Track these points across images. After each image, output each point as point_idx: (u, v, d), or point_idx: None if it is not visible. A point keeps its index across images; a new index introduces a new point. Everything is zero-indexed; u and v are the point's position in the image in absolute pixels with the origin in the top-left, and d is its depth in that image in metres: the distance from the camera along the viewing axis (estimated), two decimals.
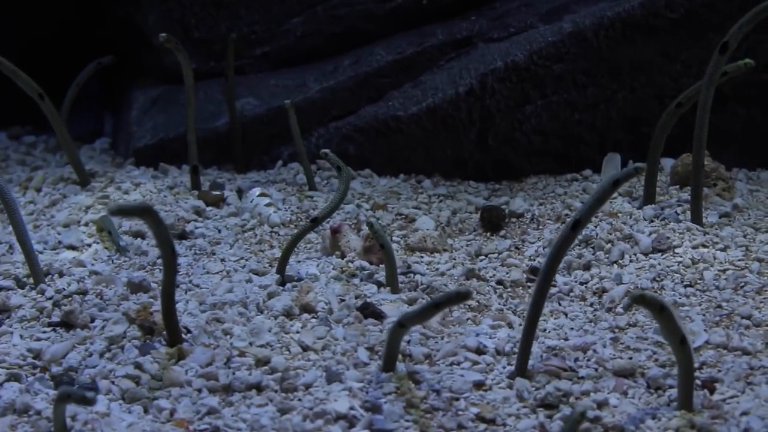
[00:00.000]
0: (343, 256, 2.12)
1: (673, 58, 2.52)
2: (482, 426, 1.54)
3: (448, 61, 2.59)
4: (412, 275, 2.04)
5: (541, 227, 2.26)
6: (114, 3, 2.91)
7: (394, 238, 2.23)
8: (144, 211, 1.58)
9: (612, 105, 2.54)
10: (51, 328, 1.82)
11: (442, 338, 1.79)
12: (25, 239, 1.97)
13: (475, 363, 1.70)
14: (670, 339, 1.54)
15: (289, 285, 1.98)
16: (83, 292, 1.92)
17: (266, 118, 2.64)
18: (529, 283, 2.03)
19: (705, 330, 1.79)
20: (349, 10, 2.71)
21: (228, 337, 1.77)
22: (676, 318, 1.51)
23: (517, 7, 2.64)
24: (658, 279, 1.98)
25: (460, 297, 1.50)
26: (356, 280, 2.01)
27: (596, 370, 1.68)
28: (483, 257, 2.16)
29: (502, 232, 2.27)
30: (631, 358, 1.71)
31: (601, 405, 1.58)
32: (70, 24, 3.01)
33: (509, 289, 2.02)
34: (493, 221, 2.28)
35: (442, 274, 2.07)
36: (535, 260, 2.11)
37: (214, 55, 2.77)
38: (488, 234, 2.27)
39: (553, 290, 1.98)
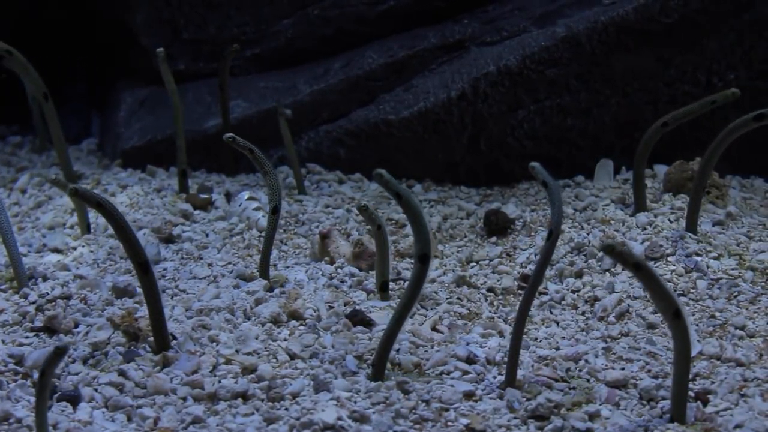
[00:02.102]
0: (332, 262, 2.09)
1: (667, 64, 2.50)
2: None
3: (440, 65, 2.57)
4: (402, 282, 2.02)
5: (532, 234, 2.23)
6: (102, 3, 2.88)
7: None
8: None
9: (605, 110, 2.52)
10: (33, 334, 1.79)
11: (432, 347, 1.76)
12: (11, 242, 1.94)
13: (466, 372, 1.68)
14: (660, 308, 1.48)
15: (276, 291, 1.95)
16: (67, 297, 1.89)
17: (256, 120, 2.62)
18: (520, 291, 2.00)
19: (698, 340, 1.77)
20: (341, 12, 2.69)
21: (214, 344, 1.74)
22: (660, 281, 1.45)
23: (510, 11, 2.62)
24: None
25: None
26: (345, 287, 1.99)
27: (588, 380, 1.66)
28: (474, 264, 2.14)
29: (494, 239, 2.24)
30: (623, 369, 1.69)
31: (593, 416, 1.56)
32: (57, 24, 2.98)
33: (500, 297, 2.00)
34: (500, 224, 2.25)
35: (433, 281, 2.04)
36: (526, 267, 2.09)
37: (203, 56, 2.75)
38: (489, 239, 2.24)
39: (544, 298, 1.97)
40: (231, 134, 1.99)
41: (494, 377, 1.67)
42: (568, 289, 1.99)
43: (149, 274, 1.68)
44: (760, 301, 1.91)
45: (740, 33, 2.48)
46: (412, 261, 2.11)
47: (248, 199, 2.34)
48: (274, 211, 1.99)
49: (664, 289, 1.46)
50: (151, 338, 1.73)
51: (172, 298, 1.93)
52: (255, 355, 1.71)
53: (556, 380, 1.65)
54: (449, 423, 1.54)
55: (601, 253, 2.08)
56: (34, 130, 2.85)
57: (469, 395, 1.61)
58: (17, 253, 1.96)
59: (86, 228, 2.22)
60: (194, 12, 2.74)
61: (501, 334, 1.83)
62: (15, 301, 1.90)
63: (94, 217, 2.28)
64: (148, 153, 2.64)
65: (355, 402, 1.58)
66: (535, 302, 1.95)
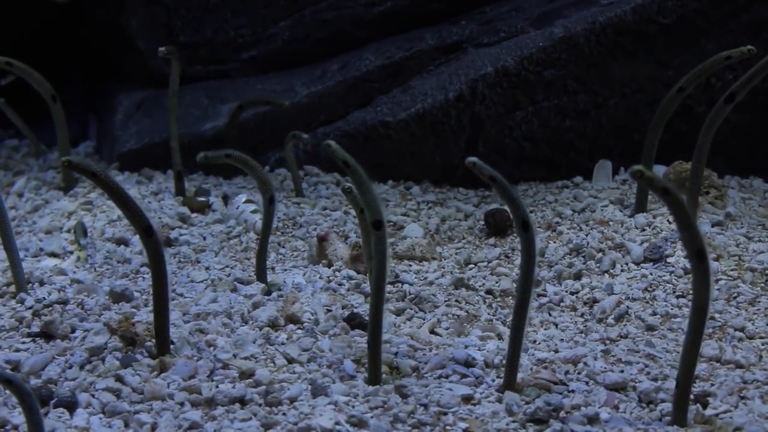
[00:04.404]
0: (330, 265, 2.08)
1: (665, 65, 2.49)
2: None
3: (437, 66, 2.57)
4: (400, 285, 2.01)
5: None
6: (96, 5, 2.87)
7: None
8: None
9: (603, 112, 2.51)
10: (30, 339, 1.78)
11: (430, 350, 1.76)
12: (12, 246, 1.93)
13: (464, 376, 1.67)
14: (684, 242, 1.42)
15: (274, 294, 1.95)
16: (64, 302, 1.88)
17: (253, 123, 2.61)
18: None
19: None
20: (337, 14, 2.69)
21: (212, 348, 1.73)
22: (687, 211, 1.40)
23: (507, 12, 2.62)
24: (649, 289, 1.96)
25: None
26: (343, 290, 1.98)
27: (587, 383, 1.65)
28: (472, 266, 2.13)
29: (492, 240, 2.23)
30: (622, 371, 1.68)
31: (592, 420, 1.55)
32: (51, 25, 2.97)
33: (499, 299, 1.99)
34: (498, 226, 2.25)
35: (431, 284, 2.04)
36: None
37: (199, 59, 2.74)
38: (488, 240, 2.23)
39: (543, 300, 1.96)
40: (202, 153, 1.94)
41: (493, 380, 1.66)
42: (566, 291, 1.99)
43: (153, 236, 1.66)
44: (759, 302, 1.90)
45: (738, 34, 2.47)
46: (410, 263, 2.12)
47: (245, 201, 2.33)
48: (271, 201, 1.97)
49: (690, 222, 1.42)
50: (149, 343, 1.72)
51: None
52: (253, 359, 1.70)
53: (555, 383, 1.64)
54: (448, 427, 1.53)
55: (599, 255, 2.07)
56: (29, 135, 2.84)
57: (467, 399, 1.60)
58: (17, 257, 1.95)
59: (83, 233, 2.21)
60: (190, 15, 2.74)
61: (499, 336, 1.82)
62: (12, 306, 1.89)
63: (91, 221, 2.27)
64: (145, 156, 2.63)
65: (353, 406, 1.57)
66: (534, 304, 1.95)
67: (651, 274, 2.00)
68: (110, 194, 1.65)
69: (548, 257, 2.10)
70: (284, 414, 1.55)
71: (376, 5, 2.68)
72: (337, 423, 1.51)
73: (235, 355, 1.71)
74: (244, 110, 2.53)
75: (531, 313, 1.91)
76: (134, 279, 2.03)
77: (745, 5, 2.46)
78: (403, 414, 1.54)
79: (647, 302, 1.92)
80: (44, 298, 1.89)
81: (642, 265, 2.04)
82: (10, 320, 1.83)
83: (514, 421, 1.55)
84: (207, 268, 2.09)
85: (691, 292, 1.91)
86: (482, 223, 2.30)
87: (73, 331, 1.79)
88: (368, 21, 2.68)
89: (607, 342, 1.80)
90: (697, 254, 1.44)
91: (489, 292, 2.01)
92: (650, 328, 1.83)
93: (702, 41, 2.47)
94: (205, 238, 2.24)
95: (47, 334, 1.78)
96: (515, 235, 2.23)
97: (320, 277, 2.03)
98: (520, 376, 1.65)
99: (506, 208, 2.29)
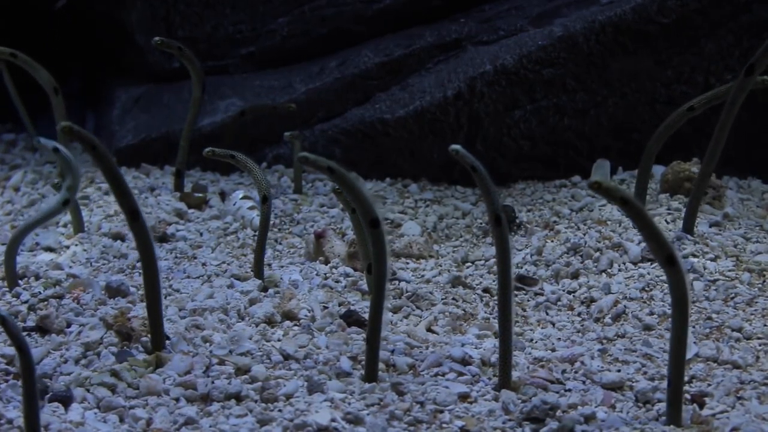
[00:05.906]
0: (327, 262, 2.08)
1: (664, 64, 2.49)
2: None
3: (436, 64, 2.56)
4: (397, 282, 2.01)
5: (529, 234, 2.22)
6: (97, 0, 2.87)
7: None
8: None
9: (602, 111, 2.51)
10: (26, 333, 1.77)
11: (427, 348, 1.75)
12: (18, 243, 1.92)
13: (461, 374, 1.66)
14: (652, 250, 1.43)
15: (271, 291, 1.94)
16: (60, 296, 1.88)
17: (250, 119, 2.60)
18: (516, 292, 1.99)
19: (695, 342, 1.76)
20: (337, 11, 2.68)
21: (208, 344, 1.73)
22: (650, 219, 1.40)
23: (506, 10, 2.61)
24: (647, 289, 1.95)
25: None
26: (340, 287, 1.98)
27: (584, 382, 1.65)
28: (469, 264, 2.13)
29: (489, 239, 2.23)
30: (619, 371, 1.68)
31: (589, 419, 1.54)
32: (50, 19, 2.97)
33: (496, 298, 1.98)
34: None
35: (428, 281, 2.03)
36: (522, 268, 2.08)
37: (198, 54, 2.72)
38: (485, 239, 2.23)
39: (540, 299, 1.96)
40: (210, 148, 1.99)
41: (489, 379, 1.66)
42: (564, 290, 1.98)
43: (139, 221, 1.64)
44: (757, 303, 1.90)
45: (738, 34, 2.47)
46: (408, 261, 2.11)
47: (243, 198, 2.33)
48: (264, 200, 1.97)
49: (655, 230, 1.42)
50: (145, 338, 1.71)
51: (165, 297, 1.91)
52: (248, 355, 1.70)
53: (552, 382, 1.64)
54: (444, 425, 1.53)
55: (597, 254, 2.07)
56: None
57: (464, 397, 1.60)
58: (15, 254, 1.94)
59: (80, 227, 2.21)
60: (190, 10, 2.73)
61: (496, 335, 1.81)
62: (7, 300, 1.88)
63: (88, 215, 2.27)
64: (143, 151, 2.63)
65: (349, 403, 1.56)
66: (531, 303, 1.94)
67: (648, 273, 2.00)
68: (104, 171, 1.62)
69: (546, 256, 2.10)
70: (280, 410, 1.55)
71: (376, 2, 2.67)
72: (333, 420, 1.51)
73: (231, 351, 1.70)
74: (246, 117, 2.52)
75: (528, 312, 1.91)
76: (130, 274, 2.03)
77: (745, 5, 2.46)
78: (399, 411, 1.54)
79: (644, 302, 1.91)
80: (40, 293, 1.89)
81: (640, 264, 2.04)
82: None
83: (510, 420, 1.54)
84: (204, 264, 2.08)
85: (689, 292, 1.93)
86: (480, 221, 2.30)
87: (69, 325, 1.78)
88: (367, 18, 2.68)
89: (604, 341, 1.79)
90: (668, 260, 1.44)
91: (486, 290, 2.01)
92: (647, 328, 1.83)
93: (702, 41, 2.47)
94: (201, 234, 2.23)
95: (43, 329, 1.77)
96: (514, 233, 2.23)
97: (317, 274, 2.03)
98: (516, 374, 1.64)
99: (510, 205, 2.29)
